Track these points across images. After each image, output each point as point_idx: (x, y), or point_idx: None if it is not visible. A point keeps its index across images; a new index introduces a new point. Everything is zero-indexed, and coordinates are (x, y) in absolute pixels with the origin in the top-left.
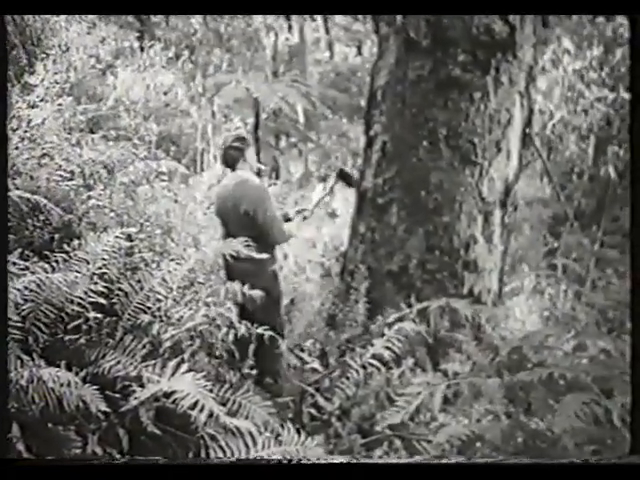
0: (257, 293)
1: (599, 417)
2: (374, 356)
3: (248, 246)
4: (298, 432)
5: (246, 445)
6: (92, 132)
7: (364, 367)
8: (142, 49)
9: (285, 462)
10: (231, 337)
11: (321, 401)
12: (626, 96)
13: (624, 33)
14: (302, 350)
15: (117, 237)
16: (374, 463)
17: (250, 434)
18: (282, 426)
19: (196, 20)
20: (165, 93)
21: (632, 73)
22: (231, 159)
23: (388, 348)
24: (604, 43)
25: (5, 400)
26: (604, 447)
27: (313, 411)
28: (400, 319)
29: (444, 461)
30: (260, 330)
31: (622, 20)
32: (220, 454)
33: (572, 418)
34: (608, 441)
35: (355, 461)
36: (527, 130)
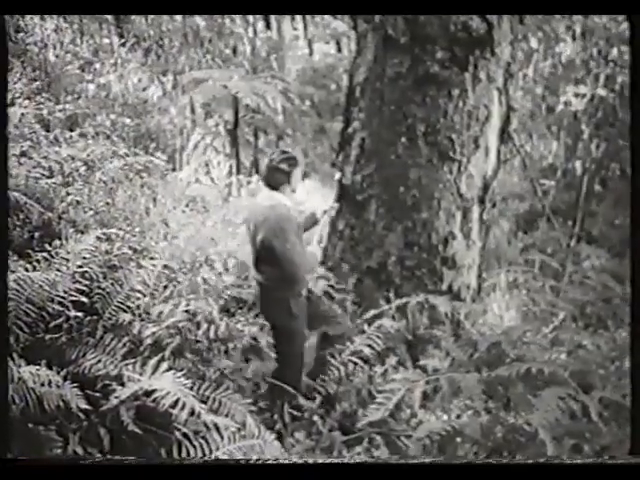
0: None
1: (576, 411)
2: (354, 353)
3: None
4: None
5: (222, 440)
6: (71, 129)
7: (344, 364)
8: (120, 46)
9: (269, 462)
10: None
11: (301, 399)
12: (602, 93)
13: (594, 29)
14: None
15: (97, 237)
16: (357, 463)
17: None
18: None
19: (175, 17)
20: (143, 90)
21: (632, 73)
22: (275, 182)
23: (368, 345)
24: (574, 40)
25: (5, 400)
26: (582, 441)
27: (294, 409)
28: (379, 315)
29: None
30: None
31: (594, 17)
32: (199, 452)
33: (550, 413)
34: (586, 435)
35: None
36: (505, 127)
